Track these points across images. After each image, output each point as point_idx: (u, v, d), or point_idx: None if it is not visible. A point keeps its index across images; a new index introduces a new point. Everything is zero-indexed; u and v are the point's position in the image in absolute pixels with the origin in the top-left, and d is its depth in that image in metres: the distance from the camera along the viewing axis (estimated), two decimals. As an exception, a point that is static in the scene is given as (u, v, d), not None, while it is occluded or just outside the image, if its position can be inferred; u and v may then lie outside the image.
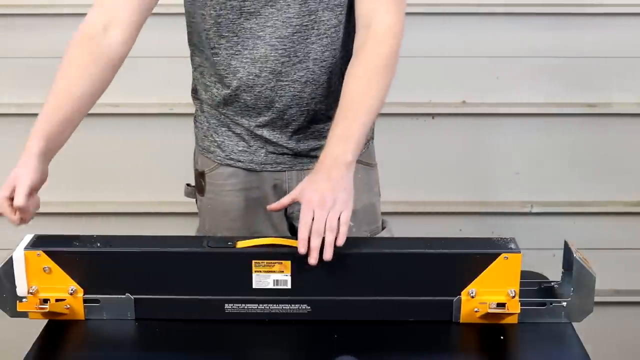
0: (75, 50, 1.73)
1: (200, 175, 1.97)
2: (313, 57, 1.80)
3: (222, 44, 1.80)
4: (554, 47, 2.78)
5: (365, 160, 1.95)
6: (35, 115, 2.78)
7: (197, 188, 1.99)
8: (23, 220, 1.62)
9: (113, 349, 1.63)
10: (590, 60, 2.80)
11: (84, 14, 2.71)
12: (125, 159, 2.80)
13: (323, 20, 1.78)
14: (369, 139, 1.97)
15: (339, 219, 1.61)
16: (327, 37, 1.79)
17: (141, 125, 2.79)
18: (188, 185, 2.03)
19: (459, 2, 2.74)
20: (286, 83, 1.82)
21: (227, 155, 1.91)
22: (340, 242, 1.59)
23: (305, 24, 1.77)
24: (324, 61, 1.81)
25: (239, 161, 1.91)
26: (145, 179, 2.84)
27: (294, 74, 1.81)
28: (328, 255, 1.58)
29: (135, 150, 2.81)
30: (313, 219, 1.60)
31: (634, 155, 2.88)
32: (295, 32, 1.77)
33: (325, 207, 1.60)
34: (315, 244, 1.58)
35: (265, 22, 1.77)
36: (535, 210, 2.89)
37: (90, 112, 2.78)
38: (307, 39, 1.79)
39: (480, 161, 2.88)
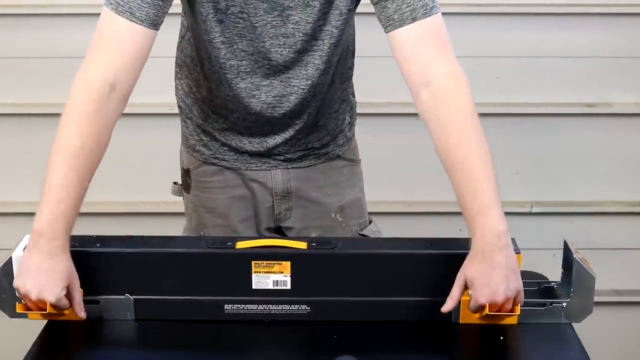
0: (81, 116, 1.59)
1: (185, 173, 1.97)
2: (296, 98, 1.81)
3: (220, 88, 1.80)
4: (553, 47, 2.78)
5: (349, 157, 1.98)
6: (35, 115, 2.81)
7: (183, 185, 1.99)
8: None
9: (113, 350, 1.63)
10: (590, 60, 2.80)
11: (83, 14, 2.74)
12: (124, 159, 2.78)
13: (310, 63, 1.77)
14: (351, 137, 1.99)
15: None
16: (310, 80, 1.79)
17: (140, 126, 2.78)
18: (175, 183, 2.03)
19: (460, 3, 2.74)
20: (279, 117, 1.83)
21: (212, 154, 1.92)
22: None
23: (298, 70, 1.78)
24: (307, 102, 1.82)
25: (224, 160, 1.91)
26: (145, 179, 2.83)
27: (286, 108, 1.82)
28: None
29: (136, 150, 2.81)
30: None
31: (634, 155, 2.88)
32: (289, 88, 1.79)
33: (498, 298, 1.54)
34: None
35: (260, 81, 1.77)
36: (535, 210, 2.89)
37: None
38: (296, 79, 1.79)
39: (480, 161, 2.87)
